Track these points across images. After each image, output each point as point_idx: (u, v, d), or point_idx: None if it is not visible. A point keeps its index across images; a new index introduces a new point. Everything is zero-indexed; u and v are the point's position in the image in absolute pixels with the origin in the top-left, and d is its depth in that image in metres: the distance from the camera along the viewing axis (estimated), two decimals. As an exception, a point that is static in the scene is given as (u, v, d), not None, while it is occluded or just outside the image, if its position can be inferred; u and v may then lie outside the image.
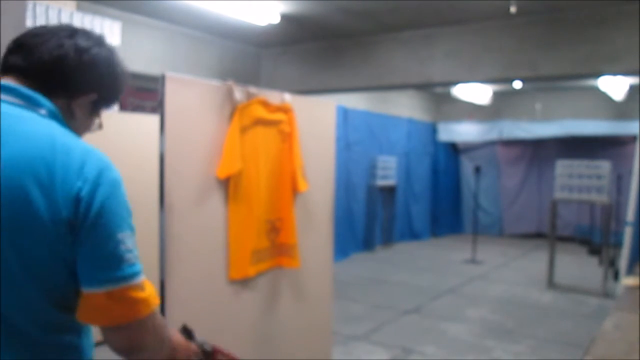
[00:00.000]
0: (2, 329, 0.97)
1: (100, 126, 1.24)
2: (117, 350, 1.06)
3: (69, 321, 1.05)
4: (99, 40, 1.14)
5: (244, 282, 2.50)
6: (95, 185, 0.99)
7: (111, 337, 1.05)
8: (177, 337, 1.24)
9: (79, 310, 1.02)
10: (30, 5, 4.40)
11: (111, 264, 1.00)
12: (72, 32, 1.11)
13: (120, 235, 1.01)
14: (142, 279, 1.04)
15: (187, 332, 1.32)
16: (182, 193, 2.19)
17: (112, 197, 1.01)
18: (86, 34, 1.13)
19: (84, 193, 0.97)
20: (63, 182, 0.96)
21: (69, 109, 1.11)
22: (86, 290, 1.00)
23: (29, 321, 1.00)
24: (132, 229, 1.06)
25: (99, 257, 0.99)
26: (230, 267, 2.41)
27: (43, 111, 1.04)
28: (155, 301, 1.07)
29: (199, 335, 1.43)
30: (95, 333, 1.14)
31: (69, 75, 1.08)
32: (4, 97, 1.02)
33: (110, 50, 1.16)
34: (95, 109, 1.17)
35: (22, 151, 0.96)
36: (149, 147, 4.05)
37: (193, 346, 1.30)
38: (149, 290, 1.05)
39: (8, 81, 1.05)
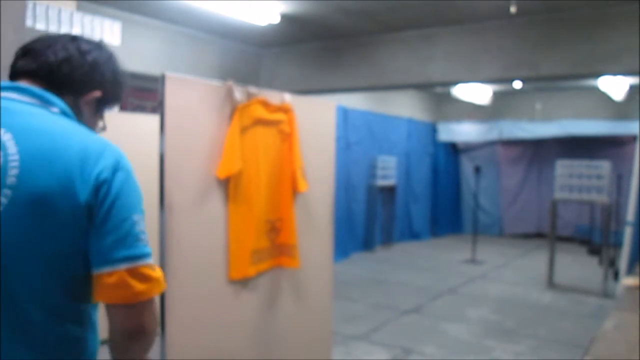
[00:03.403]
0: (11, 317, 1.02)
1: (103, 128, 1.32)
2: (123, 330, 1.09)
3: (77, 311, 1.10)
4: (99, 44, 1.24)
5: (244, 282, 2.50)
6: (114, 170, 1.08)
7: (120, 317, 1.09)
8: None
9: (97, 290, 1.07)
10: (30, 5, 4.40)
11: (131, 243, 1.07)
12: (73, 37, 1.21)
13: (135, 217, 1.09)
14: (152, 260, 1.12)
15: None
16: (182, 193, 2.19)
17: (128, 182, 1.11)
18: (86, 39, 1.23)
19: (103, 178, 1.05)
20: (82, 170, 1.04)
21: (77, 107, 1.19)
22: (105, 270, 1.05)
23: (40, 309, 1.04)
24: (143, 212, 1.13)
25: (117, 236, 1.06)
26: (230, 267, 2.41)
27: (55, 109, 1.12)
28: (164, 284, 1.13)
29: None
30: (103, 330, 1.16)
31: (75, 74, 1.17)
32: (18, 97, 1.10)
33: (110, 53, 1.26)
34: (99, 108, 1.26)
35: (41, 145, 1.04)
36: (149, 147, 4.05)
37: None
38: (159, 271, 1.12)
39: (21, 83, 1.14)
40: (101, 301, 1.09)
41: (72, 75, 1.16)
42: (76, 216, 1.03)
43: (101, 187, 1.05)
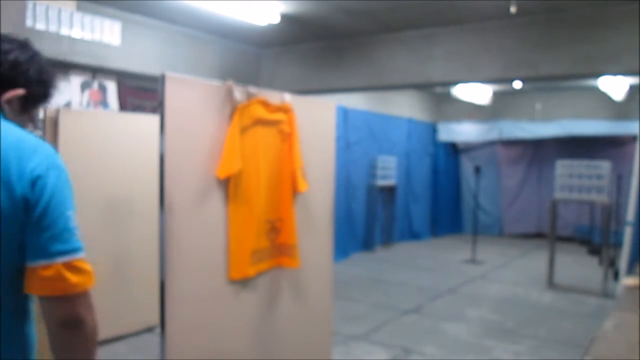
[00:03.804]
0: None
1: (34, 128, 1.36)
2: (59, 322, 1.11)
3: (21, 304, 1.14)
4: (22, 44, 1.24)
5: (244, 282, 2.50)
6: (48, 168, 1.11)
7: (56, 309, 1.11)
8: None
9: (33, 284, 1.10)
10: (30, 5, 4.40)
11: (67, 238, 1.11)
12: None
13: (69, 213, 1.14)
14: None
15: None
16: (182, 193, 2.19)
17: (61, 179, 1.14)
18: (9, 39, 1.23)
19: (37, 173, 1.09)
20: (17, 165, 1.07)
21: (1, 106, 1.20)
22: (41, 263, 1.08)
23: None
24: (75, 208, 1.17)
25: (54, 231, 1.10)
26: (230, 267, 2.41)
27: None
28: (94, 278, 1.16)
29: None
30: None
31: None
32: None
33: (34, 52, 1.26)
34: (25, 107, 1.26)
35: None
36: (149, 147, 4.05)
37: None
38: (89, 265, 1.15)
39: None
40: (34, 293, 1.12)
41: None
42: (15, 210, 1.06)
43: (36, 182, 1.09)
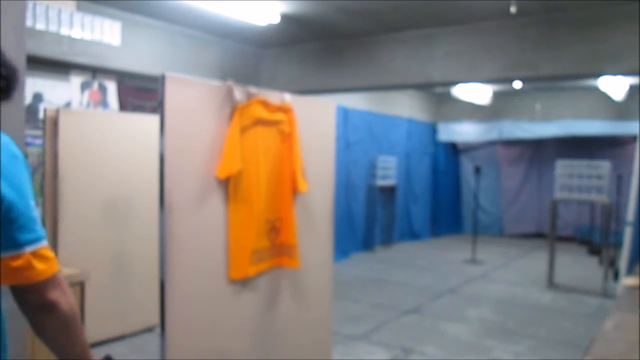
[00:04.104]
0: None
1: None
2: (32, 308, 1.13)
3: None
4: None
5: (244, 282, 2.50)
6: (9, 158, 1.10)
7: (28, 297, 1.13)
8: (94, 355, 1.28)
9: (2, 275, 1.10)
10: (30, 5, 4.40)
11: (32, 227, 1.12)
12: None
13: (31, 202, 1.14)
14: None
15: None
16: (182, 193, 2.19)
17: (22, 168, 1.13)
18: None
19: (3, 167, 1.07)
20: None
21: None
22: (10, 254, 1.09)
23: None
24: (34, 198, 1.18)
25: (21, 222, 1.10)
26: (230, 267, 2.41)
27: None
28: (57, 263, 1.18)
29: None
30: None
31: None
32: None
33: None
34: None
35: None
36: (149, 147, 4.06)
37: None
38: (52, 252, 1.18)
39: None
40: (4, 284, 1.12)
41: None
42: None
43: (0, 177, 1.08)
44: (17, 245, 1.09)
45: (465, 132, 10.57)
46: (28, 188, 1.13)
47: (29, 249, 1.10)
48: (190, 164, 2.23)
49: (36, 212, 1.14)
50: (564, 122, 9.38)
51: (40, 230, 1.14)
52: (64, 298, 1.15)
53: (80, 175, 3.95)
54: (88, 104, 5.21)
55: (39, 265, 1.11)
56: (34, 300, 1.12)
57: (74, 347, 1.19)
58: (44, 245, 1.14)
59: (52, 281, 1.13)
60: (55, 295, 1.13)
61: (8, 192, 1.07)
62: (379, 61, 6.08)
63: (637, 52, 4.65)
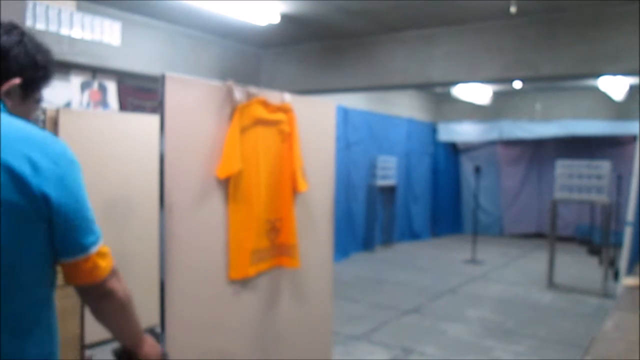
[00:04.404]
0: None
1: (37, 103, 1.29)
2: (95, 297, 1.21)
3: (46, 294, 1.18)
4: (6, 28, 1.17)
5: (244, 282, 2.50)
6: (67, 163, 1.12)
7: (90, 289, 1.19)
8: (146, 334, 1.39)
9: (75, 276, 1.16)
10: (30, 5, 4.40)
11: (93, 229, 1.17)
12: None
13: (88, 204, 1.18)
14: None
15: (154, 335, 1.44)
16: (182, 193, 2.19)
17: (79, 172, 1.16)
18: None
19: (61, 172, 1.09)
20: (32, 163, 1.05)
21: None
22: (81, 258, 1.14)
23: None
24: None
25: (85, 226, 1.15)
26: (230, 267, 2.41)
27: None
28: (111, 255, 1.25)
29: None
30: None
31: None
32: None
33: (20, 36, 1.18)
34: (27, 94, 1.21)
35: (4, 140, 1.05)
36: (149, 147, 4.05)
37: (159, 347, 1.42)
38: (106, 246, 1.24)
39: None
40: (76, 284, 1.18)
41: None
42: (35, 207, 1.07)
43: (62, 181, 1.10)
44: (84, 248, 1.14)
45: (465, 132, 10.56)
46: (85, 192, 1.16)
47: (93, 250, 1.16)
48: (190, 164, 2.22)
49: (92, 212, 1.18)
50: (564, 122, 9.38)
51: (98, 229, 1.19)
52: (120, 285, 1.23)
53: (80, 175, 3.95)
54: (88, 104, 5.21)
55: (102, 263, 1.18)
56: (96, 291, 1.19)
57: (129, 327, 1.30)
58: (102, 243, 1.19)
59: (111, 273, 1.21)
60: (112, 284, 1.20)
61: (69, 199, 1.10)
62: (379, 61, 6.08)
63: (636, 52, 4.65)
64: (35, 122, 1.26)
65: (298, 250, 2.71)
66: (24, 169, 1.04)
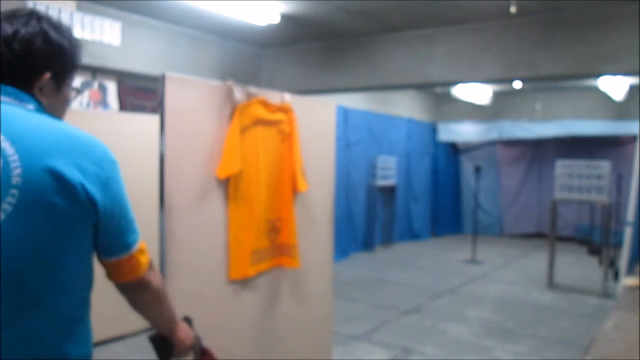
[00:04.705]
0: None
1: (78, 92, 1.30)
2: (132, 288, 1.24)
3: (86, 294, 1.19)
4: (25, 19, 1.09)
5: (244, 282, 2.50)
6: (111, 165, 1.12)
7: (129, 281, 1.22)
8: (180, 320, 1.44)
9: (118, 274, 1.20)
10: (30, 5, 4.40)
11: (134, 227, 1.19)
12: None
13: (128, 203, 1.19)
14: None
15: (188, 321, 1.51)
16: (182, 193, 2.19)
17: (120, 173, 1.15)
18: (10, 17, 1.08)
19: (106, 175, 1.09)
20: (78, 164, 1.04)
21: (35, 98, 1.11)
22: (125, 256, 1.17)
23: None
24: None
25: (128, 226, 1.17)
26: (230, 267, 2.41)
27: (30, 106, 1.09)
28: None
29: (201, 333, 1.51)
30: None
31: (11, 67, 1.07)
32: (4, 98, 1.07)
33: (40, 23, 1.10)
34: (59, 85, 1.16)
35: (42, 142, 1.02)
36: (149, 147, 4.05)
37: (193, 332, 1.48)
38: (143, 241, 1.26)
39: None
40: (120, 281, 1.22)
41: (9, 69, 1.07)
42: (81, 208, 1.08)
43: (107, 184, 1.10)
44: (128, 247, 1.17)
45: (465, 132, 10.56)
46: (125, 192, 1.17)
47: (135, 248, 1.18)
48: (190, 164, 2.23)
49: (132, 211, 1.19)
50: (564, 122, 9.38)
51: (137, 227, 1.20)
52: (155, 276, 1.26)
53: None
54: (88, 104, 5.21)
55: (142, 259, 1.21)
56: (134, 284, 1.22)
57: (165, 315, 1.35)
58: (141, 240, 1.21)
59: (149, 267, 1.24)
60: (149, 276, 1.24)
61: (111, 204, 1.10)
62: (379, 61, 6.08)
63: (636, 52, 4.65)
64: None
65: (298, 250, 2.71)
66: (74, 175, 1.02)
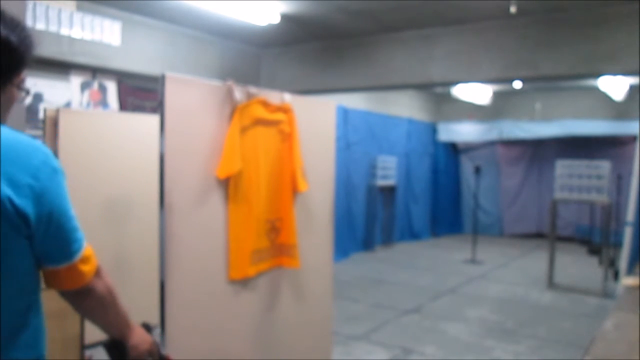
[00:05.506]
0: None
1: (27, 93, 1.20)
2: (72, 294, 1.20)
3: (30, 299, 1.15)
4: None
5: (244, 282, 2.50)
6: (51, 173, 1.08)
7: (72, 291, 1.19)
8: (136, 325, 1.40)
9: (56, 283, 1.16)
10: (30, 5, 4.40)
11: (76, 236, 1.16)
12: None
13: (71, 212, 1.15)
14: None
15: (146, 327, 1.45)
16: (182, 193, 2.19)
17: (63, 181, 1.13)
18: None
19: (45, 185, 1.05)
20: (18, 172, 1.01)
21: None
22: (64, 265, 1.14)
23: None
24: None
25: (68, 235, 1.14)
26: (230, 267, 2.41)
27: None
28: (95, 257, 1.24)
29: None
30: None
31: None
32: None
33: None
34: (4, 81, 1.09)
35: None
36: (149, 147, 4.05)
37: (149, 338, 1.41)
38: (89, 247, 1.22)
39: None
40: (58, 289, 1.18)
41: None
42: (22, 216, 1.06)
43: (45, 194, 1.07)
44: (68, 257, 1.14)
45: (465, 132, 10.56)
46: (66, 201, 1.13)
47: (77, 258, 1.15)
48: (190, 164, 2.22)
49: (75, 220, 1.15)
50: (564, 122, 9.38)
51: (80, 235, 1.17)
52: (100, 282, 1.22)
53: (80, 175, 3.95)
54: (88, 104, 5.20)
55: (85, 268, 1.17)
56: (74, 291, 1.19)
57: (112, 319, 1.29)
58: (84, 247, 1.18)
59: (94, 275, 1.21)
60: (92, 282, 1.20)
61: (46, 216, 1.07)
62: (378, 61, 6.08)
63: (636, 52, 4.65)
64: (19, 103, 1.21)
65: (298, 250, 2.71)
66: (4, 190, 0.99)
